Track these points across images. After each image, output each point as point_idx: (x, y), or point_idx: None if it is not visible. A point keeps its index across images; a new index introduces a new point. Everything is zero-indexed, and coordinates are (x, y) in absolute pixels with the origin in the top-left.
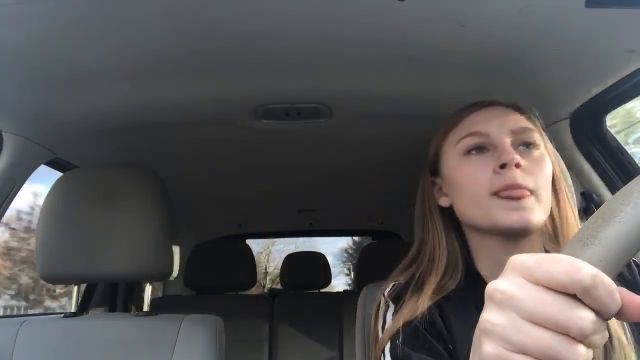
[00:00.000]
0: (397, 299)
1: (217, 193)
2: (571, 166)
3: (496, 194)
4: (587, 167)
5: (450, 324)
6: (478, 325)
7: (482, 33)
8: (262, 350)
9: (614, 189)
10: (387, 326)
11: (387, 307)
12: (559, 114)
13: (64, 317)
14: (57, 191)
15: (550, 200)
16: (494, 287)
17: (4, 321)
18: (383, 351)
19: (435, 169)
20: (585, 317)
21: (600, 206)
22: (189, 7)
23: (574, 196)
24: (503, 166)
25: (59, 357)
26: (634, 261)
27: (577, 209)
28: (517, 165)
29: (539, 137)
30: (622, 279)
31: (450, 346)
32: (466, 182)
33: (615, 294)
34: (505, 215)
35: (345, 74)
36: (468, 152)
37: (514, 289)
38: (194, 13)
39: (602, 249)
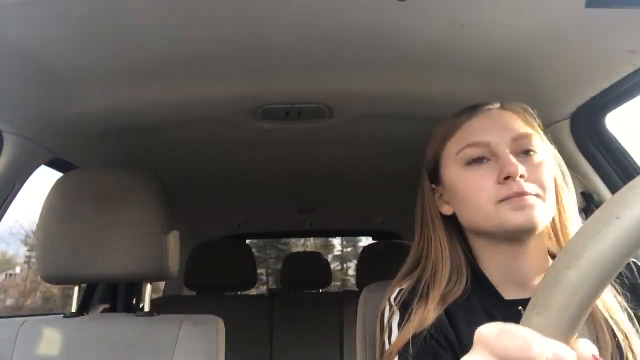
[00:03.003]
0: (404, 307)
1: (217, 193)
2: (571, 166)
3: (501, 201)
4: (587, 167)
5: (459, 331)
6: None
7: (482, 33)
8: (262, 350)
9: (614, 189)
10: (393, 336)
11: (392, 314)
12: (559, 114)
13: (64, 317)
14: (57, 191)
15: (554, 202)
16: None
17: (4, 321)
18: None
19: (434, 177)
20: None
21: (599, 206)
22: (189, 7)
23: (575, 196)
24: (507, 178)
25: (59, 357)
26: (634, 262)
27: (577, 209)
28: (521, 176)
29: (539, 141)
30: (624, 279)
31: (460, 355)
32: (470, 194)
33: None
34: (513, 216)
35: (345, 74)
36: (468, 163)
37: None
38: (194, 13)
39: (554, 316)
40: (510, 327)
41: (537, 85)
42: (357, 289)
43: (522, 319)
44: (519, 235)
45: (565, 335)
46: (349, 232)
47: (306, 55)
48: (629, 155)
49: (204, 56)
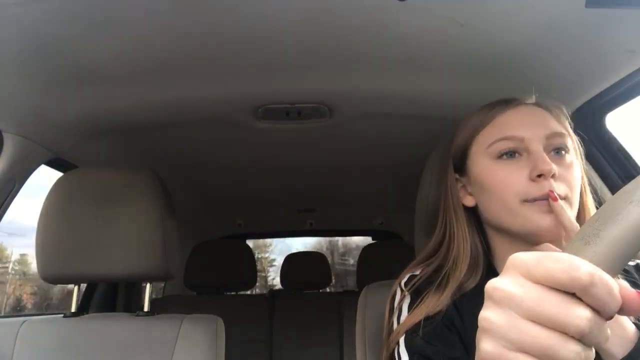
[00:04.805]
0: (417, 292)
1: (217, 193)
2: None
3: (528, 200)
4: (587, 167)
5: (466, 322)
6: (478, 323)
7: (481, 33)
8: (262, 350)
9: (614, 189)
10: (402, 317)
11: (403, 298)
12: None
13: (64, 317)
14: (57, 191)
15: (578, 203)
16: (493, 285)
17: (4, 321)
18: (397, 342)
19: (460, 168)
20: (582, 315)
21: (600, 205)
22: (189, 7)
23: None
24: (539, 175)
25: (59, 357)
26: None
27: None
28: (552, 176)
29: (570, 141)
30: (626, 275)
31: (465, 344)
32: (498, 188)
33: (615, 292)
34: (539, 218)
35: (345, 74)
36: (499, 156)
37: (513, 287)
38: (194, 13)
39: (604, 248)
40: (552, 252)
41: (537, 85)
42: (357, 289)
43: (566, 248)
44: (542, 238)
45: (610, 269)
46: (349, 232)
47: (306, 55)
48: (629, 155)
49: (204, 56)
